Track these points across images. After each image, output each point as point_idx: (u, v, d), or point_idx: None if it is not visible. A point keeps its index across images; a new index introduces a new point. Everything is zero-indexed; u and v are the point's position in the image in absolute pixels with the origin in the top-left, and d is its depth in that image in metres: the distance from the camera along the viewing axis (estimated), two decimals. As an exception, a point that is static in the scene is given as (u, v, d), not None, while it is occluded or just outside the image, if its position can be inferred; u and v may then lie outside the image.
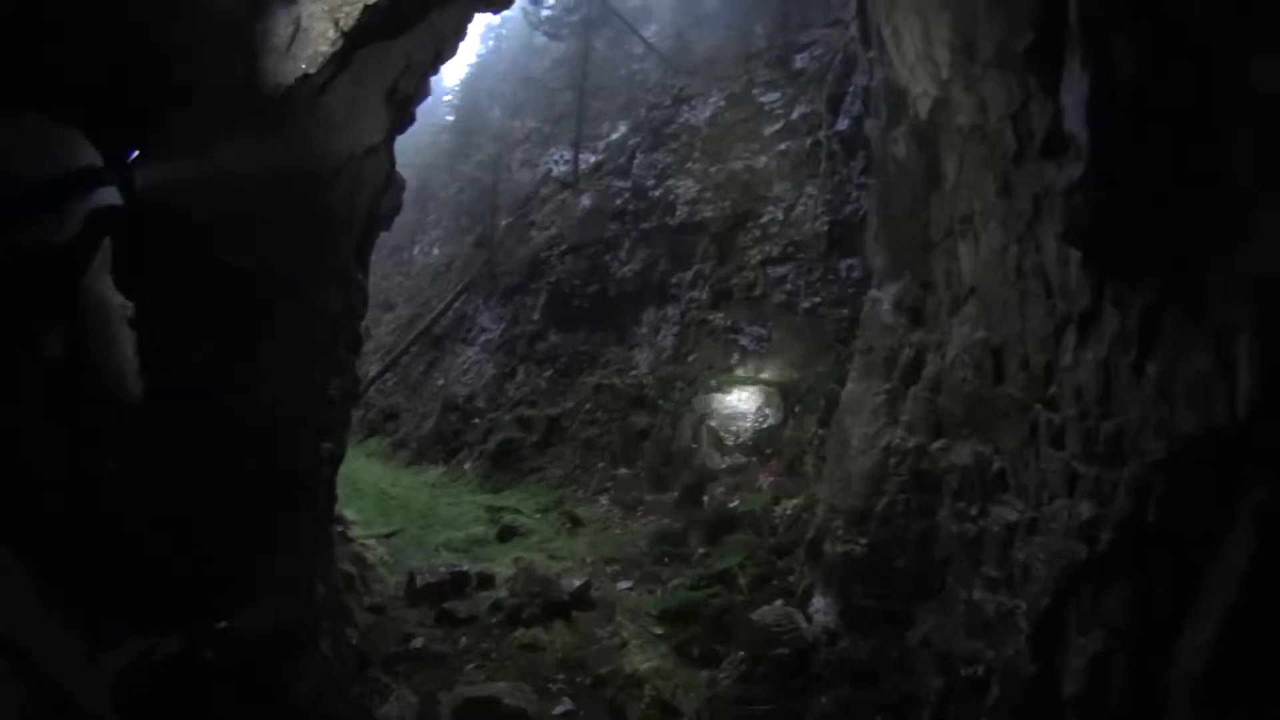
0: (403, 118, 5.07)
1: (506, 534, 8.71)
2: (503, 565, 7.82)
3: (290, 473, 3.60)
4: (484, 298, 14.48)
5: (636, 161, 12.93)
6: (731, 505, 7.38)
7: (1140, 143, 2.41)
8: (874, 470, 5.25)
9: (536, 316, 13.18)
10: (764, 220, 10.49)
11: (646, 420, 10.21)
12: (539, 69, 16.66)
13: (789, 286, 9.30)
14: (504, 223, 14.85)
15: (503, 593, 6.69)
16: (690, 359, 10.37)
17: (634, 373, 11.40)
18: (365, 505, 10.34)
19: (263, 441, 3.05)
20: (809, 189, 10.03)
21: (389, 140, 4.99)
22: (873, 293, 6.11)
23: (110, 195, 0.93)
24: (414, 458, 12.74)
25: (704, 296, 10.66)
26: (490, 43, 20.45)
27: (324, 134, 3.68)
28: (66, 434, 0.90)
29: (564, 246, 13.23)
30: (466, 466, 11.63)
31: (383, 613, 6.45)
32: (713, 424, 9.13)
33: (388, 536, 9.02)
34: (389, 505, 10.34)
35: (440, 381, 14.06)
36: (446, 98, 19.49)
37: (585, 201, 13.46)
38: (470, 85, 19.51)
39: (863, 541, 5.13)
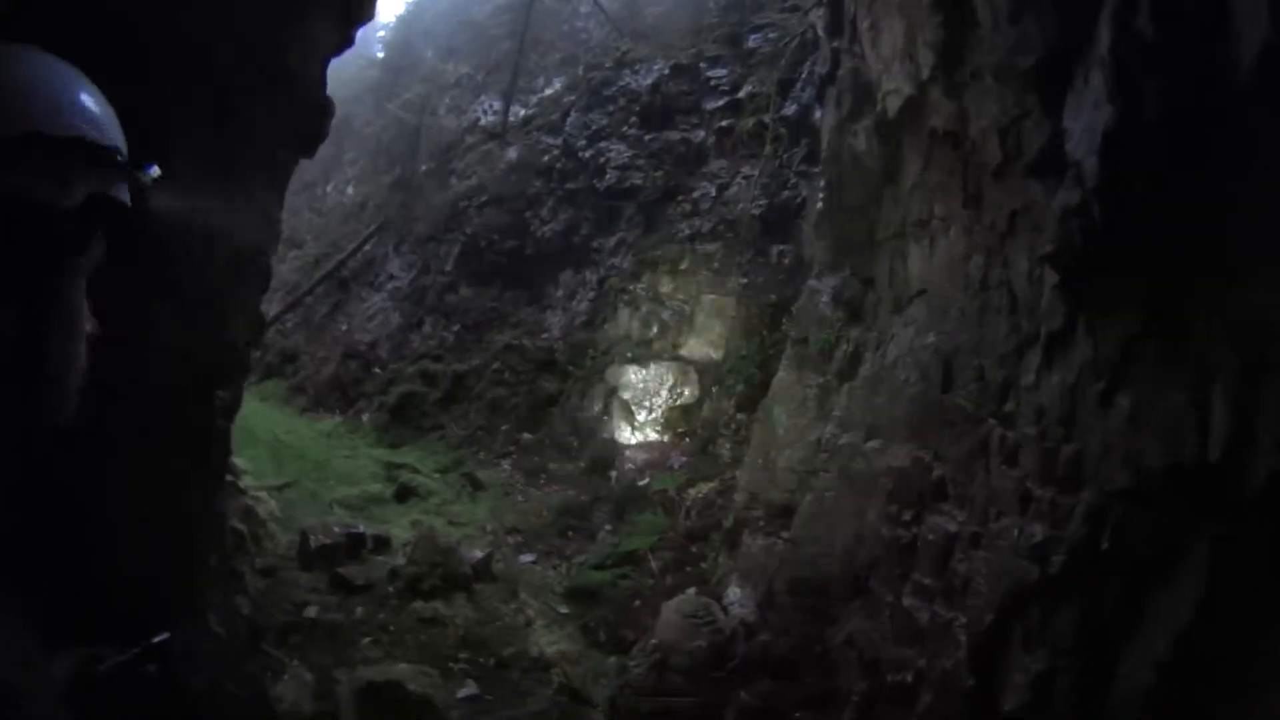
0: (345, 40, 4.60)
1: (404, 494, 8.32)
2: (400, 528, 7.46)
3: (188, 428, 3.18)
4: (395, 243, 13.75)
5: (570, 120, 12.47)
6: (641, 483, 7.26)
7: (1152, 182, 2.36)
8: (802, 463, 5.22)
9: (449, 268, 12.62)
10: (696, 195, 10.33)
11: (555, 386, 9.97)
12: (479, 13, 15.80)
13: (716, 265, 9.19)
14: (424, 168, 14.11)
15: (400, 560, 6.35)
16: (605, 327, 10.15)
17: (545, 336, 11.09)
18: (258, 454, 9.67)
19: (168, 396, 2.64)
20: (746, 170, 9.92)
21: (326, 61, 4.52)
22: (811, 283, 6.06)
23: (121, 189, 0.77)
24: (311, 405, 12.04)
25: (626, 265, 10.44)
26: (434, -20, 19.25)
27: (272, 35, 3.21)
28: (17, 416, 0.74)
29: (484, 198, 12.67)
30: (365, 418, 11.07)
31: (274, 575, 6.01)
32: (625, 396, 9.00)
33: (280, 489, 8.48)
34: (283, 455, 9.71)
35: (343, 327, 13.30)
36: (380, 33, 18.29)
37: (511, 154, 12.93)
38: (406, 22, 18.34)
39: (785, 536, 5.11)
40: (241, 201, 4.11)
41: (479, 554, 6.47)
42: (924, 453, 4.00)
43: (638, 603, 5.47)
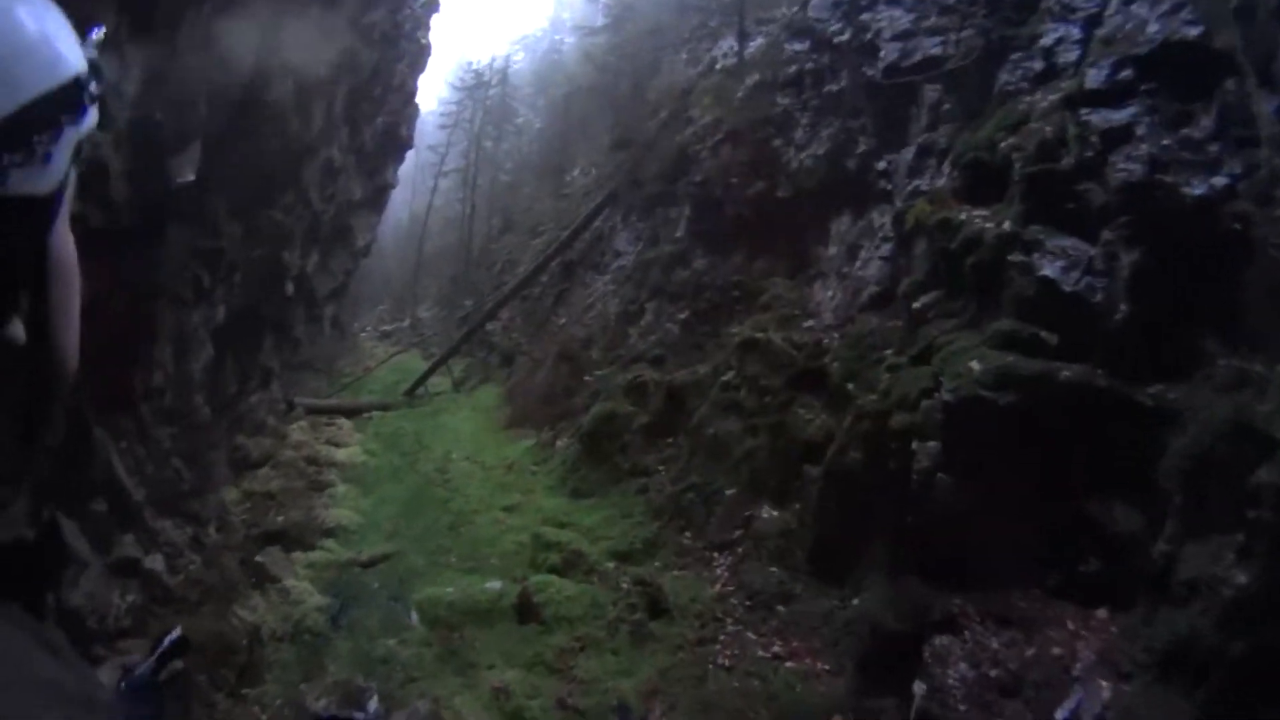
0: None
1: (527, 612, 4.32)
2: (469, 699, 3.54)
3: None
4: (624, 214, 9.94)
5: (812, 3, 7.51)
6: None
7: None
8: None
9: (680, 233, 8.42)
10: (1048, 43, 4.85)
11: (821, 419, 5.09)
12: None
13: (1141, 149, 3.71)
14: (658, 117, 10.08)
15: None
16: (917, 304, 5.10)
17: (809, 325, 6.30)
18: (396, 495, 6.48)
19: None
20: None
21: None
22: None
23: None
24: (515, 419, 8.67)
25: (943, 183, 5.28)
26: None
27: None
28: None
29: (719, 136, 8.23)
30: (558, 444, 7.34)
31: None
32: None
33: (366, 566, 5.12)
34: (425, 500, 6.39)
35: (562, 320, 9.85)
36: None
37: (749, 80, 8.31)
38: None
39: None
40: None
41: None
42: None
43: None
